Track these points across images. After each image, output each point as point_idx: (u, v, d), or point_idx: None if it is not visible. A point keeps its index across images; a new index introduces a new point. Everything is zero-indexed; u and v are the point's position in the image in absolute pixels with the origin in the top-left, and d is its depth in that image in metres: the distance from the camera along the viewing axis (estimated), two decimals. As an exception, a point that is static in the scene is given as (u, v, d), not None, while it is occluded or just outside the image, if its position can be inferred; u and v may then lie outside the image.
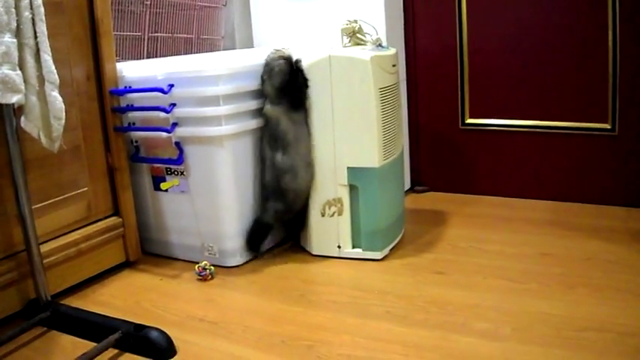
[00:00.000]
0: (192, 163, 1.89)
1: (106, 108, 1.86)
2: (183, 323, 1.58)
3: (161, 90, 1.82)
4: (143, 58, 2.35)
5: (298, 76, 1.87)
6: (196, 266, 1.85)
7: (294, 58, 1.89)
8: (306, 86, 1.87)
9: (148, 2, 2.34)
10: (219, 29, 2.77)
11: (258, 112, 1.91)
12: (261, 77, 1.90)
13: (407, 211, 2.21)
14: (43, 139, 1.46)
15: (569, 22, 2.24)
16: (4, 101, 1.34)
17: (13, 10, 1.34)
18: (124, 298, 1.75)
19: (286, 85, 1.86)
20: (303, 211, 1.96)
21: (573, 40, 2.24)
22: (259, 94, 1.91)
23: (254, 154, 1.94)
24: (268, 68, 1.89)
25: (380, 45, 1.98)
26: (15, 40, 1.35)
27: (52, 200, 1.70)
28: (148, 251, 2.07)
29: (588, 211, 2.26)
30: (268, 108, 1.88)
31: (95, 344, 1.41)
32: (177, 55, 2.51)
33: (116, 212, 1.92)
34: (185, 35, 2.56)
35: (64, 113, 1.47)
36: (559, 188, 2.38)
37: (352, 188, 1.89)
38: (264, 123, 1.90)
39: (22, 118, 1.43)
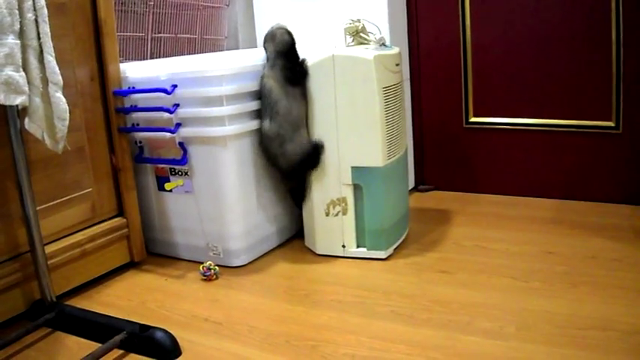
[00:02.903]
0: (197, 164, 1.89)
1: (109, 109, 1.86)
2: (188, 323, 1.58)
3: (164, 90, 1.82)
4: (146, 59, 2.36)
5: (297, 55, 1.92)
6: (201, 266, 1.85)
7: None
8: (304, 71, 1.89)
9: (151, 3, 2.34)
10: (222, 29, 2.78)
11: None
12: (264, 43, 1.95)
13: (411, 210, 2.21)
14: (47, 141, 1.47)
15: (573, 19, 2.23)
16: (7, 103, 1.35)
17: (17, 11, 1.35)
18: (129, 298, 1.76)
19: (285, 51, 1.90)
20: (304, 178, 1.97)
21: (577, 38, 2.24)
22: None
23: (258, 154, 1.94)
24: (270, 33, 1.94)
25: (383, 44, 1.98)
26: (18, 42, 1.36)
27: (57, 201, 1.71)
28: (153, 252, 2.08)
29: (592, 209, 2.25)
30: (265, 72, 1.90)
31: (100, 345, 1.41)
32: (180, 55, 2.52)
33: (120, 213, 1.92)
34: (188, 35, 2.57)
35: (67, 114, 1.47)
36: (563, 186, 2.38)
37: (356, 188, 1.89)
38: (260, 89, 1.91)
39: (26, 120, 1.44)
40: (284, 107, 1.86)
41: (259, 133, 1.92)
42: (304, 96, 1.90)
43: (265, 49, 1.94)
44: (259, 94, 1.91)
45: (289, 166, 1.91)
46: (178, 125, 1.86)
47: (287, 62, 1.89)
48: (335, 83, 1.84)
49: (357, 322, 1.52)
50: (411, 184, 2.62)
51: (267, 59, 1.92)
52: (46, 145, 1.48)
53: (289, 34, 1.92)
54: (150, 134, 1.94)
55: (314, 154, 1.90)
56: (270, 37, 1.94)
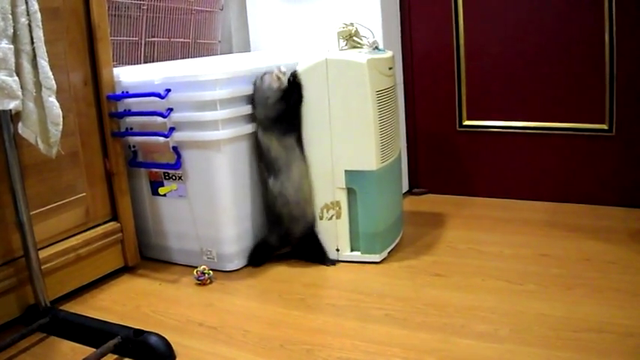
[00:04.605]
0: (190, 168, 1.89)
1: (103, 113, 1.86)
2: (183, 328, 1.58)
3: (158, 95, 1.82)
4: (140, 63, 2.35)
5: (292, 97, 1.86)
6: (195, 271, 1.85)
7: (290, 74, 1.87)
8: (300, 102, 1.88)
9: (145, 7, 2.34)
10: (216, 33, 2.78)
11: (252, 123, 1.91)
12: (252, 100, 1.89)
13: (405, 214, 2.21)
14: (41, 145, 1.46)
15: (565, 23, 2.24)
16: (1, 107, 1.34)
17: (10, 16, 1.34)
18: (123, 303, 1.75)
19: (279, 115, 1.86)
20: (310, 234, 1.94)
21: (570, 41, 2.25)
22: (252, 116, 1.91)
23: (252, 158, 1.94)
24: (261, 96, 1.86)
25: (376, 48, 1.98)
26: (12, 46, 1.35)
27: (51, 206, 1.70)
28: (147, 256, 2.07)
29: (586, 211, 2.26)
30: (260, 135, 1.88)
31: (94, 350, 1.41)
32: (174, 59, 2.51)
33: (114, 217, 1.91)
34: (182, 40, 2.57)
35: (61, 119, 1.46)
36: (557, 189, 2.38)
37: (350, 191, 1.89)
38: (257, 146, 1.91)
39: (20, 124, 1.43)
40: (284, 164, 1.86)
41: (265, 188, 1.91)
42: (302, 147, 1.89)
43: (253, 105, 1.89)
44: (257, 148, 1.91)
45: (292, 221, 1.90)
46: (172, 129, 1.86)
47: (282, 125, 1.87)
48: (328, 87, 1.84)
49: (351, 326, 1.52)
50: (405, 187, 2.62)
51: (258, 120, 1.89)
52: (40, 150, 1.47)
53: (281, 91, 1.85)
54: (143, 138, 1.93)
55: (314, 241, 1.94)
56: (261, 98, 1.87)
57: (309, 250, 1.95)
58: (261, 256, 1.94)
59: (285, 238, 1.93)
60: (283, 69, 1.86)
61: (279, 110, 1.86)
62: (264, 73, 1.87)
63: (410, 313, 1.56)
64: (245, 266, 1.94)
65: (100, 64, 1.82)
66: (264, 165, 1.90)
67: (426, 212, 2.42)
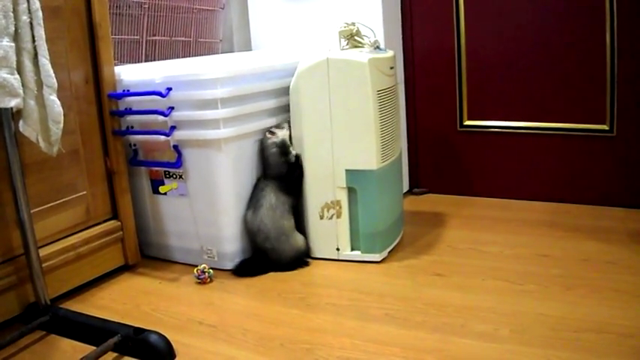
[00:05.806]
0: (191, 167, 1.89)
1: (104, 111, 1.86)
2: (183, 326, 1.58)
3: (159, 93, 1.82)
4: (141, 62, 2.35)
5: (295, 170, 1.92)
6: (195, 269, 1.85)
7: (295, 154, 1.92)
8: (302, 179, 1.93)
9: (146, 5, 2.34)
10: (217, 32, 2.78)
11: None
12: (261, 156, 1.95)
13: (406, 213, 2.21)
14: (42, 143, 1.47)
15: (566, 23, 2.24)
16: (2, 105, 1.34)
17: (11, 14, 1.35)
18: (123, 301, 1.75)
19: (279, 174, 1.91)
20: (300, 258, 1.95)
21: (571, 41, 2.25)
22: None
23: (252, 158, 1.94)
24: (264, 154, 1.94)
25: (378, 47, 1.99)
26: (13, 44, 1.35)
27: (51, 204, 1.70)
28: (147, 255, 2.07)
29: (586, 212, 2.26)
30: (262, 184, 1.92)
31: (94, 348, 1.41)
32: (175, 58, 2.51)
33: (115, 216, 1.92)
34: (183, 38, 2.57)
35: (62, 117, 1.47)
36: (557, 189, 2.38)
37: (351, 191, 1.89)
38: (253, 190, 1.94)
39: (21, 122, 1.43)
40: (269, 202, 1.87)
41: (244, 222, 1.93)
42: (294, 208, 1.93)
43: (264, 164, 1.94)
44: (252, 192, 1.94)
45: (275, 252, 1.89)
46: (173, 128, 1.86)
47: (282, 183, 1.90)
48: (329, 86, 1.84)
49: (351, 325, 1.53)
50: (406, 187, 2.62)
51: (265, 176, 1.93)
52: (41, 148, 1.47)
53: (280, 152, 1.91)
54: (144, 137, 1.93)
55: (303, 255, 1.95)
56: (261, 150, 1.94)
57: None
58: (247, 271, 1.90)
59: (276, 262, 1.91)
60: (283, 127, 1.94)
61: (278, 169, 1.91)
62: (266, 131, 1.93)
63: (410, 313, 1.56)
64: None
65: (101, 63, 1.82)
66: (250, 200, 1.92)
67: (426, 212, 2.42)
